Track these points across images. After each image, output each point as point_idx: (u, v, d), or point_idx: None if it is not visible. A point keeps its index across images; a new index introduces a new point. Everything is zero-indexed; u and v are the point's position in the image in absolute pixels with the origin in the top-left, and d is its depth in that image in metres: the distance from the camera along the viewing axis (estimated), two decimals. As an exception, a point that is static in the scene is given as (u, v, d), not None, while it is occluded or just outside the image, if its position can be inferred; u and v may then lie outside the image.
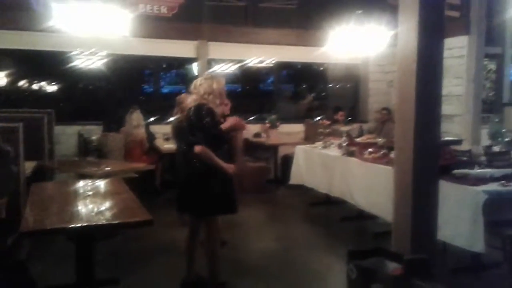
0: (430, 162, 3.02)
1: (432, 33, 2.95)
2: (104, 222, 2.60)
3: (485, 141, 6.71)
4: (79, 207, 2.91)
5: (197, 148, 3.16)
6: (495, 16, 7.61)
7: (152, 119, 7.47)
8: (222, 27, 7.68)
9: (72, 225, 2.53)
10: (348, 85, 9.52)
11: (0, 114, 5.19)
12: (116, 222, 2.66)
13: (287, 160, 7.03)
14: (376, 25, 6.05)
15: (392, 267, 2.77)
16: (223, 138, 3.35)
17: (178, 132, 4.33)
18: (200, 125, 3.20)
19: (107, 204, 2.98)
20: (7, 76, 7.49)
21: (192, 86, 3.43)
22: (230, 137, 3.55)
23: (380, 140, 5.63)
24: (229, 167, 3.28)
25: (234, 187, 3.43)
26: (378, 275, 2.73)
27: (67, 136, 6.99)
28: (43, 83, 9.06)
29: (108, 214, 2.73)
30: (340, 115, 8.05)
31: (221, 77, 3.57)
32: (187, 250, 3.55)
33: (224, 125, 3.36)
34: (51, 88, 9.10)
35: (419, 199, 2.96)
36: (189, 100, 3.44)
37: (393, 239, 3.14)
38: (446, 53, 3.12)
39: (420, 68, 2.91)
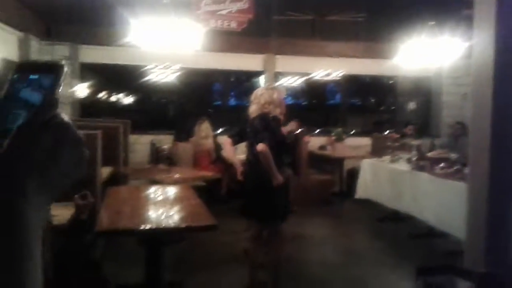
0: (507, 178, 2.85)
1: (510, 43, 2.80)
2: (172, 225, 2.72)
3: None
4: (150, 211, 3.06)
5: (259, 147, 3.19)
6: None
7: (220, 130, 7.68)
8: (289, 41, 7.75)
9: (142, 227, 2.67)
10: (419, 98, 9.19)
11: (81, 122, 5.60)
12: (183, 226, 2.77)
13: (353, 174, 6.90)
14: (449, 36, 5.81)
15: (464, 285, 2.62)
16: (286, 144, 3.38)
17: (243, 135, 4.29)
18: (266, 130, 3.25)
19: (175, 209, 3.11)
20: (89, 87, 8.07)
21: (252, 96, 3.49)
22: (294, 147, 3.57)
23: (453, 155, 5.36)
24: (278, 177, 3.25)
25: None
26: (448, 293, 2.60)
27: (140, 144, 7.36)
28: (120, 95, 9.68)
29: (176, 218, 2.85)
30: (409, 129, 7.77)
31: (281, 88, 3.62)
32: (250, 258, 3.59)
33: (285, 129, 3.40)
34: (128, 100, 9.70)
35: (495, 216, 2.79)
36: (250, 110, 3.51)
37: (465, 258, 2.98)
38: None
39: (497, 80, 2.77)
